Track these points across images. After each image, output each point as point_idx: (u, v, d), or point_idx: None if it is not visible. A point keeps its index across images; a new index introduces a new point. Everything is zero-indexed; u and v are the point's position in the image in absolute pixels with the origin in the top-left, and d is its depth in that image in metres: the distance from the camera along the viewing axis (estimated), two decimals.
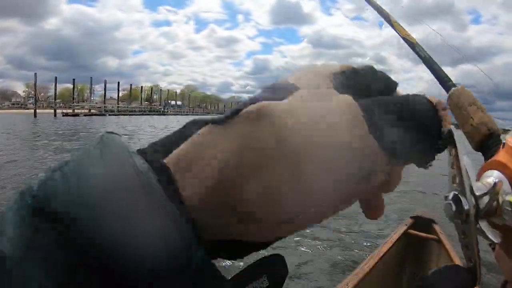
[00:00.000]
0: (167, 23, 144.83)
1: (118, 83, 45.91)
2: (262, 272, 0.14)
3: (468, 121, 0.36)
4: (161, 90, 60.07)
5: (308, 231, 3.30)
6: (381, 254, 1.74)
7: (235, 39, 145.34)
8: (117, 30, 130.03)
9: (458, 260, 1.65)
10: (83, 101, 41.62)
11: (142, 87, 53.44)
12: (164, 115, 40.63)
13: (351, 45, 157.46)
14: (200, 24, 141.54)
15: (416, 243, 2.10)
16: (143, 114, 37.59)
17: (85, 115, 28.97)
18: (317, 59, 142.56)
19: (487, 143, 0.35)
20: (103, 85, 40.84)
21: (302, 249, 3.19)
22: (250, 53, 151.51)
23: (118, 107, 37.85)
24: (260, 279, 0.14)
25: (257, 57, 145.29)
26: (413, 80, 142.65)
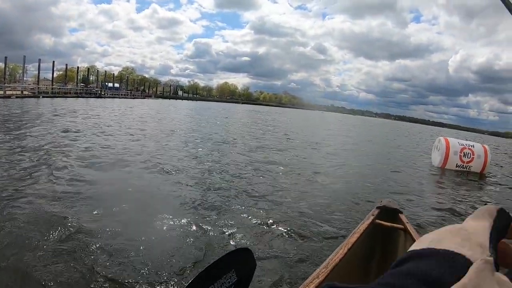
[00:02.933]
0: (107, 0, 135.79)
1: (53, 62, 44.79)
2: (229, 267, 0.15)
3: None
4: (98, 71, 60.67)
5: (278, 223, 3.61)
6: (350, 245, 1.72)
7: (177, 20, 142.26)
8: (54, 6, 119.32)
9: None
10: (15, 82, 42.04)
11: (78, 67, 52.71)
12: (101, 97, 40.27)
13: (294, 33, 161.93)
14: (142, 3, 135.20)
15: (383, 232, 2.11)
16: (78, 96, 37.62)
17: (17, 97, 30.55)
18: (259, 46, 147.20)
19: None
20: (36, 64, 40.87)
21: (271, 241, 3.16)
22: (192, 36, 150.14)
23: (52, 88, 38.56)
24: (228, 274, 0.15)
25: (198, 40, 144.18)
26: (351, 71, 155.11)
